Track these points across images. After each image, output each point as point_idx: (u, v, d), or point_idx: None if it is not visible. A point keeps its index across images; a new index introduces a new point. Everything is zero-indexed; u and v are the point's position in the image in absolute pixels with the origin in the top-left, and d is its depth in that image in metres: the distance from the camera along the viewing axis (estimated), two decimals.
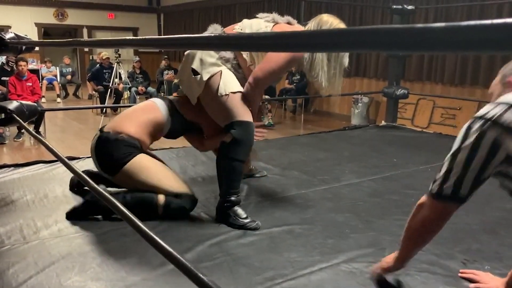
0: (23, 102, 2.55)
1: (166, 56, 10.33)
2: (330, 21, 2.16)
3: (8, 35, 2.32)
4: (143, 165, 2.09)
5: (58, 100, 9.72)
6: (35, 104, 2.57)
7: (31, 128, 4.78)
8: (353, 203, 2.39)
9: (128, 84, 7.72)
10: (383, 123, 4.51)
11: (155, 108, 2.22)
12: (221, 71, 2.11)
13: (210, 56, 2.13)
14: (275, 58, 2.10)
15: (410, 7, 3.76)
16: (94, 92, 8.47)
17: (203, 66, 2.13)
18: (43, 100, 8.39)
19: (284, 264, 1.71)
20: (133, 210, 2.03)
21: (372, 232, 2.01)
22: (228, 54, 2.15)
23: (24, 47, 2.41)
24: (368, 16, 7.56)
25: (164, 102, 2.27)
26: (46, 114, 6.05)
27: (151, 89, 8.61)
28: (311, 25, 2.20)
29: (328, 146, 3.71)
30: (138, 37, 1.04)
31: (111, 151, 2.06)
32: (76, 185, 2.42)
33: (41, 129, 5.67)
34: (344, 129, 4.55)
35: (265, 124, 7.44)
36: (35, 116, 2.68)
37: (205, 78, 2.10)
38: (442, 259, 1.77)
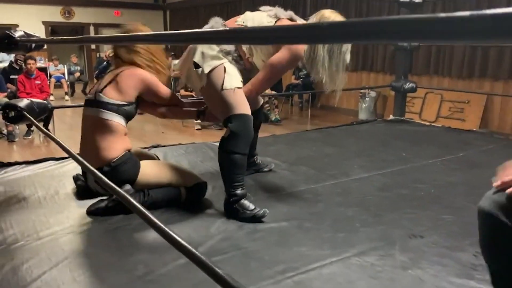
0: (33, 99, 2.58)
1: (172, 53, 10.35)
2: (332, 17, 2.15)
3: (18, 33, 2.34)
4: (152, 173, 2.17)
5: (66, 97, 9.78)
6: (45, 101, 2.59)
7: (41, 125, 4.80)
8: (363, 197, 2.39)
9: None
10: (391, 117, 4.49)
11: (99, 119, 2.13)
12: (223, 65, 2.12)
13: (211, 49, 2.14)
14: (274, 66, 2.14)
15: (417, 0, 3.73)
16: None
17: (204, 59, 2.14)
18: (52, 98, 8.45)
19: (295, 258, 1.71)
20: (157, 204, 2.12)
21: (382, 226, 2.01)
22: (229, 47, 2.16)
23: (33, 45, 2.43)
24: (374, 10, 7.51)
25: (97, 108, 2.15)
26: (55, 111, 6.08)
27: None
28: (313, 21, 2.18)
29: (336, 141, 3.71)
30: (149, 33, 1.05)
31: (119, 179, 2.04)
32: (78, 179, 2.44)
33: (50, 126, 5.71)
34: (352, 124, 4.54)
35: (272, 120, 7.45)
36: (46, 114, 2.71)
37: (206, 71, 2.11)
38: (453, 251, 1.77)
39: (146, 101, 2.29)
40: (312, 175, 2.78)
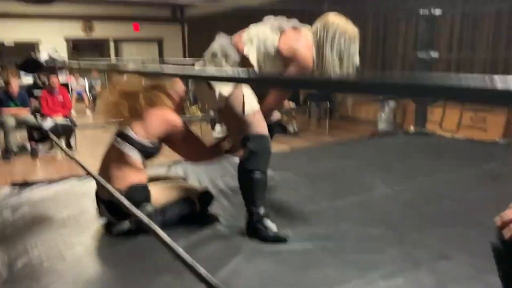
0: (58, 120, 2.63)
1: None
2: (336, 22, 2.13)
3: (43, 56, 2.40)
4: (160, 196, 2.18)
5: (88, 112, 9.95)
6: (69, 122, 2.63)
7: (63, 141, 4.90)
8: (386, 215, 2.35)
9: None
10: (412, 129, 4.42)
11: (121, 152, 2.16)
12: (242, 89, 2.11)
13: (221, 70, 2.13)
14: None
15: (437, 13, 3.69)
16: None
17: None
18: (73, 112, 8.60)
19: (319, 281, 1.69)
20: (174, 219, 2.13)
21: (408, 246, 1.97)
22: (238, 65, 2.13)
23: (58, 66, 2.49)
24: (393, 21, 7.46)
25: (123, 141, 2.17)
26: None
27: None
28: (317, 26, 2.16)
29: (357, 155, 3.67)
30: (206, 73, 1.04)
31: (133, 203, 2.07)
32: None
33: (72, 142, 5.81)
34: (372, 137, 4.49)
35: (290, 131, 7.43)
36: (69, 134, 2.76)
37: (225, 93, 2.10)
38: (483, 273, 1.72)
39: (172, 142, 2.31)
40: (334, 191, 2.75)
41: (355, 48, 2.14)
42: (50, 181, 2.93)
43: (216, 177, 3.06)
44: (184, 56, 14.25)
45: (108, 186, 1.66)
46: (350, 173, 3.15)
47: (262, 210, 2.10)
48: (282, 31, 2.14)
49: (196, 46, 13.45)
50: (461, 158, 3.51)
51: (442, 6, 6.19)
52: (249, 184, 2.10)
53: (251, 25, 2.25)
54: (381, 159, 3.54)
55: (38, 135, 2.38)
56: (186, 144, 2.32)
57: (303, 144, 6.58)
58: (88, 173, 1.83)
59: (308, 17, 2.27)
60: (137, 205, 2.08)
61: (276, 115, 2.66)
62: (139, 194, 2.11)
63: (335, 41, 2.09)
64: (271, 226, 2.07)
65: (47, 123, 2.41)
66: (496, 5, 5.76)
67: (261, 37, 2.15)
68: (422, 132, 4.24)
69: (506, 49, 5.95)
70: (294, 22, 2.20)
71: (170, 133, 2.22)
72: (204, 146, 2.39)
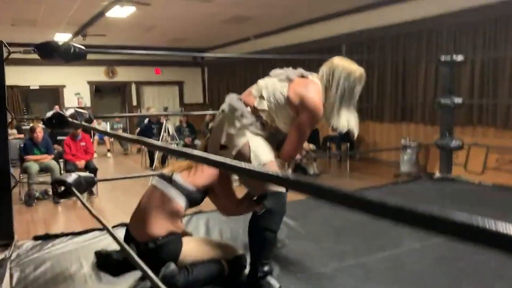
0: (81, 174, 2.64)
1: (211, 109, 10.60)
2: (340, 64, 2.15)
3: (69, 112, 2.44)
4: (193, 251, 2.15)
5: (109, 155, 10.09)
6: (92, 176, 2.64)
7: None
8: (417, 273, 2.25)
9: (176, 139, 7.93)
10: (437, 174, 4.32)
11: (164, 196, 2.16)
12: (248, 142, 2.10)
13: (234, 128, 2.13)
14: (299, 130, 2.14)
15: (460, 59, 3.67)
16: (142, 147, 8.75)
17: (230, 140, 2.13)
18: (94, 155, 8.73)
19: None
20: (200, 281, 2.08)
21: None
22: (250, 119, 2.13)
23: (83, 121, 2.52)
24: (411, 66, 7.48)
25: (168, 184, 2.18)
26: (99, 168, 6.28)
27: (198, 142, 8.79)
28: (323, 70, 2.18)
29: None
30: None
31: (161, 257, 2.04)
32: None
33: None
34: (396, 183, 4.40)
35: (310, 174, 7.36)
36: (92, 187, 2.76)
37: (233, 153, 2.10)
38: None
39: (214, 192, 2.29)
40: (360, 246, 2.66)
41: (359, 89, 2.16)
42: (72, 234, 2.91)
43: (238, 231, 3.00)
44: (204, 98, 14.51)
45: (123, 244, 1.65)
46: (376, 224, 3.05)
47: (267, 268, 2.07)
48: (290, 80, 2.16)
49: (215, 89, 13.70)
50: (491, 207, 3.38)
51: (461, 50, 6.23)
52: (259, 242, 2.08)
53: (258, 80, 2.27)
54: None
55: (61, 190, 2.37)
56: (225, 197, 2.29)
57: None
58: (107, 231, 1.83)
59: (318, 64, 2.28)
60: (168, 257, 2.06)
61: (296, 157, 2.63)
62: (173, 246, 2.08)
63: (340, 82, 2.10)
64: (275, 284, 2.03)
65: (71, 177, 2.41)
66: None
67: (270, 89, 2.17)
68: (448, 177, 4.13)
69: None
70: (301, 70, 2.23)
71: (216, 183, 2.21)
72: (238, 200, 2.35)
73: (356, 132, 2.17)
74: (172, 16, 8.43)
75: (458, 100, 3.80)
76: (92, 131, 10.18)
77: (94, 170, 5.81)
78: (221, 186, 2.24)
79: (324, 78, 2.15)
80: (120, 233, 2.63)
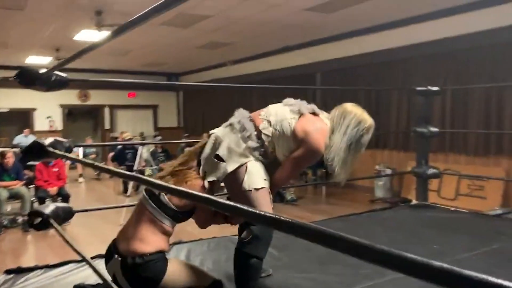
0: (58, 205, 2.55)
1: (186, 134, 10.55)
2: (353, 111, 2.18)
3: (48, 141, 2.36)
4: (176, 274, 2.10)
5: (80, 179, 9.83)
6: (70, 206, 2.55)
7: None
8: None
9: (151, 164, 7.80)
10: (414, 202, 4.39)
11: (151, 214, 2.12)
12: (246, 164, 2.10)
13: (238, 146, 2.13)
14: (295, 163, 2.14)
15: (435, 89, 3.79)
16: None
17: (230, 155, 2.12)
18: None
19: None
20: None
21: None
22: (255, 144, 2.14)
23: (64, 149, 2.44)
24: (385, 94, 7.67)
25: (153, 205, 2.13)
26: (71, 191, 6.11)
27: None
28: (335, 113, 2.20)
29: (363, 231, 3.59)
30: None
31: (145, 275, 2.00)
32: None
33: None
34: (375, 210, 4.43)
35: (288, 200, 7.36)
36: (70, 218, 2.66)
37: (229, 169, 2.09)
38: None
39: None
40: (345, 275, 2.64)
41: (367, 139, 2.16)
42: (47, 267, 2.78)
43: (221, 260, 2.94)
44: (179, 122, 14.44)
45: (102, 274, 1.58)
46: None
47: None
48: (301, 114, 2.16)
49: (190, 113, 13.67)
50: (470, 234, 3.44)
51: (434, 80, 6.45)
52: (245, 269, 2.06)
53: (270, 105, 2.28)
54: (389, 236, 3.46)
55: (38, 222, 2.28)
56: (203, 209, 2.24)
57: (302, 213, 6.49)
58: (87, 262, 1.77)
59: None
60: (154, 274, 2.01)
61: None
62: (160, 263, 2.03)
63: (349, 128, 2.11)
64: None
65: (48, 209, 2.32)
66: (485, 82, 6.00)
67: (279, 117, 2.17)
68: (425, 205, 4.20)
69: (497, 126, 6.12)
70: (313, 107, 2.24)
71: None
72: (210, 211, 2.31)
73: (343, 181, 2.20)
74: (149, 41, 8.42)
75: (434, 129, 3.90)
76: None
77: (66, 197, 5.64)
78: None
79: (334, 120, 2.15)
80: (100, 264, 2.53)
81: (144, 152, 7.66)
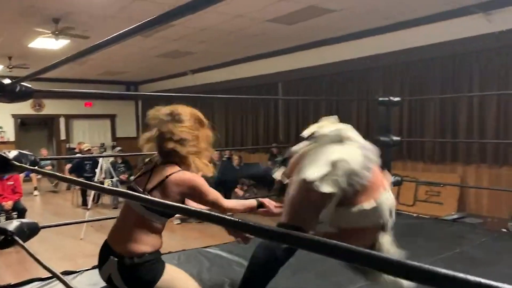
0: (23, 221, 2.44)
1: None
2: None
3: (12, 155, 2.26)
4: (174, 277, 2.05)
5: (35, 192, 9.43)
6: (35, 222, 2.45)
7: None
8: None
9: (113, 175, 7.58)
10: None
11: (145, 219, 2.04)
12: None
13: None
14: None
15: (396, 99, 3.93)
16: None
17: (323, 179, 2.05)
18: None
19: None
20: None
21: None
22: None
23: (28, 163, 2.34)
24: (345, 104, 7.86)
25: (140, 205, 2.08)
26: (30, 206, 5.84)
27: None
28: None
29: None
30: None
31: (143, 275, 1.96)
32: None
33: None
34: None
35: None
36: (35, 235, 2.54)
37: (324, 190, 2.02)
38: None
39: (193, 199, 2.19)
40: (317, 283, 2.67)
41: None
42: (10, 287, 2.65)
43: (192, 274, 2.90)
44: (138, 132, 14.14)
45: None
46: (330, 261, 3.09)
47: None
48: (369, 169, 1.99)
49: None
50: (433, 240, 3.57)
51: (392, 90, 6.69)
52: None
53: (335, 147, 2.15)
54: None
55: (0, 239, 2.18)
56: (205, 202, 2.13)
57: (264, 220, 6.49)
58: (59, 279, 1.71)
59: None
60: (151, 275, 1.96)
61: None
62: (158, 264, 1.98)
63: None
64: None
65: (12, 225, 2.22)
66: (440, 92, 6.29)
67: (346, 170, 1.97)
68: None
69: (452, 135, 6.42)
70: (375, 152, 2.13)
71: (191, 193, 2.05)
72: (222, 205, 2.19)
73: None
74: (109, 50, 8.22)
75: (396, 138, 4.03)
76: None
77: (22, 211, 5.40)
78: (197, 195, 2.13)
79: None
80: (75, 280, 2.43)
81: (103, 164, 7.45)
